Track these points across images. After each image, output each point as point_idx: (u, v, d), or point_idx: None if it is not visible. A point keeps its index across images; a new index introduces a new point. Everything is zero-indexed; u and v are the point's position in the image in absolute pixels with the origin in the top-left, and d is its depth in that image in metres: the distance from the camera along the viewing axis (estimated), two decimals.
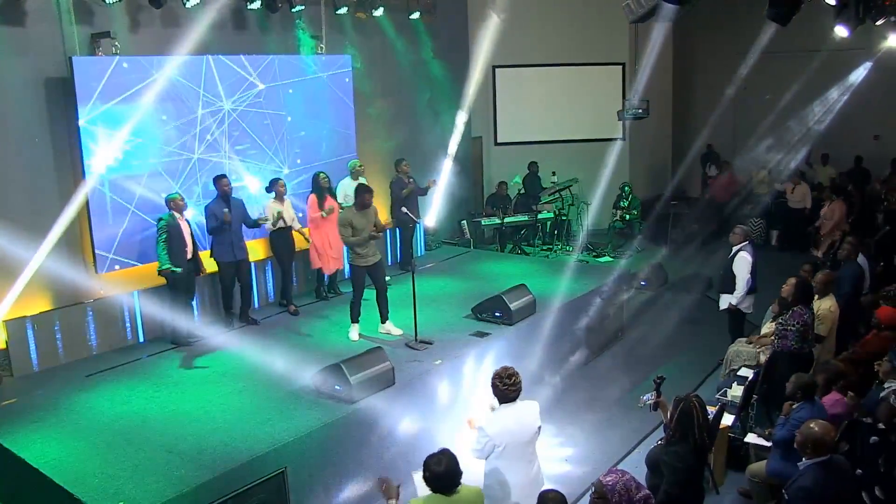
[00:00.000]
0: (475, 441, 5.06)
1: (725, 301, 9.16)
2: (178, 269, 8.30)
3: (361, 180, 10.55)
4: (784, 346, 7.52)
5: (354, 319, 8.55)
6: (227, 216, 8.61)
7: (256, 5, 9.76)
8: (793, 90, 14.44)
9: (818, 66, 13.87)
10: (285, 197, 9.47)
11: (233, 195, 8.99)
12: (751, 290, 9.07)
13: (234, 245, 8.90)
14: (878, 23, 8.17)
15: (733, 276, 9.04)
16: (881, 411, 5.74)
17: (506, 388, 5.04)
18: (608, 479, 4.52)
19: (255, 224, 9.09)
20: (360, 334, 8.56)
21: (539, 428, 5.20)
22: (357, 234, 8.18)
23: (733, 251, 9.11)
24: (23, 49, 8.00)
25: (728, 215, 13.95)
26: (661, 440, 5.64)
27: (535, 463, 5.24)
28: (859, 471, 5.61)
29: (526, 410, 5.15)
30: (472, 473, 4.98)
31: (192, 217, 8.92)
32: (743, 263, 8.95)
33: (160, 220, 8.30)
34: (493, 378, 5.09)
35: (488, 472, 5.12)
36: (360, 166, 10.64)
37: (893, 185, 13.79)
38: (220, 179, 8.84)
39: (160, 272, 8.29)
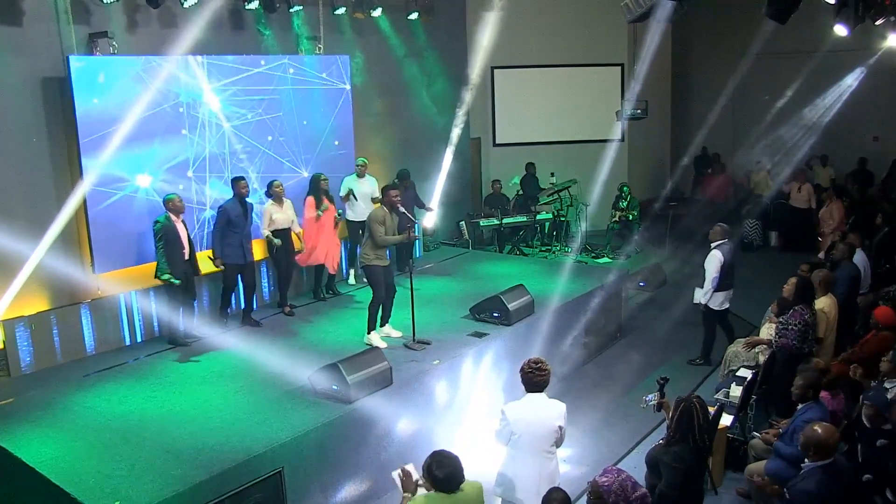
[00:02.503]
0: (497, 423, 5.18)
1: (698, 295, 9.34)
2: (178, 281, 8.26)
3: (368, 178, 10.57)
4: (784, 345, 7.51)
5: (374, 326, 8.33)
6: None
7: (254, 5, 9.75)
8: (791, 91, 14.48)
9: (817, 67, 13.90)
10: (284, 198, 9.45)
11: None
12: (722, 287, 9.21)
13: (245, 247, 8.88)
14: (878, 22, 8.16)
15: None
16: (893, 413, 5.71)
17: (532, 373, 5.13)
18: (603, 479, 4.59)
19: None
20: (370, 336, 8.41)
21: (560, 428, 5.20)
22: (388, 234, 8.12)
23: (713, 247, 9.26)
24: (20, 48, 7.99)
25: (725, 216, 13.94)
26: (662, 440, 5.62)
27: (551, 462, 5.25)
28: (867, 476, 5.58)
29: (549, 406, 5.18)
30: (473, 468, 4.97)
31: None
32: (713, 261, 9.09)
33: (156, 222, 8.27)
34: (523, 365, 5.20)
35: (505, 462, 5.21)
36: (364, 165, 10.61)
37: (891, 187, 13.82)
38: (238, 181, 8.86)
39: (157, 277, 8.30)
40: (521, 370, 5.21)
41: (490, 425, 5.32)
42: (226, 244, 8.82)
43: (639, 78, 12.75)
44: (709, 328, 9.57)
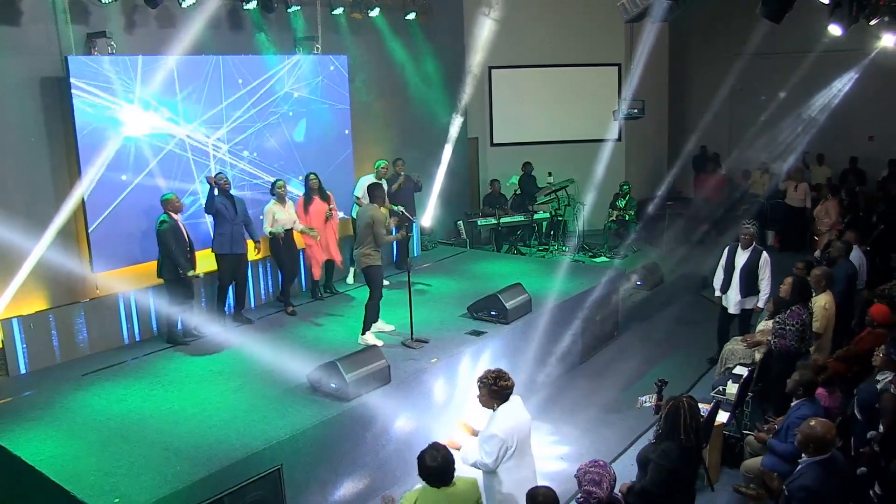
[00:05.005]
0: (486, 454, 4.94)
1: (751, 303, 9.04)
2: (201, 275, 8.47)
3: (386, 182, 10.54)
4: (782, 346, 7.53)
5: (370, 326, 8.36)
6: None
7: (252, 5, 9.76)
8: (787, 91, 14.54)
9: (813, 67, 13.96)
10: (287, 199, 9.48)
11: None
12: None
13: (234, 238, 8.89)
14: (872, 22, 8.22)
15: (756, 278, 8.94)
16: (884, 403, 5.75)
17: (505, 383, 4.99)
18: (582, 464, 4.77)
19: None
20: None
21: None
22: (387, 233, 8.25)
23: (750, 252, 8.95)
24: (18, 48, 8.00)
25: (721, 215, 13.99)
26: (652, 439, 5.67)
27: (532, 455, 5.26)
28: (862, 469, 5.62)
29: (519, 404, 5.16)
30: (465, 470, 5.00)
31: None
32: (768, 265, 8.91)
33: (162, 223, 8.28)
34: (496, 382, 4.96)
35: (500, 478, 5.01)
36: (384, 167, 10.46)
37: (889, 187, 13.88)
38: (217, 175, 8.92)
39: (164, 277, 8.40)
40: (491, 388, 4.97)
41: (468, 458, 5.10)
42: (217, 234, 8.88)
43: (634, 77, 12.76)
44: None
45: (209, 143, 9.53)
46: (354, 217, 10.08)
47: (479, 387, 5.04)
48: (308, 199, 9.73)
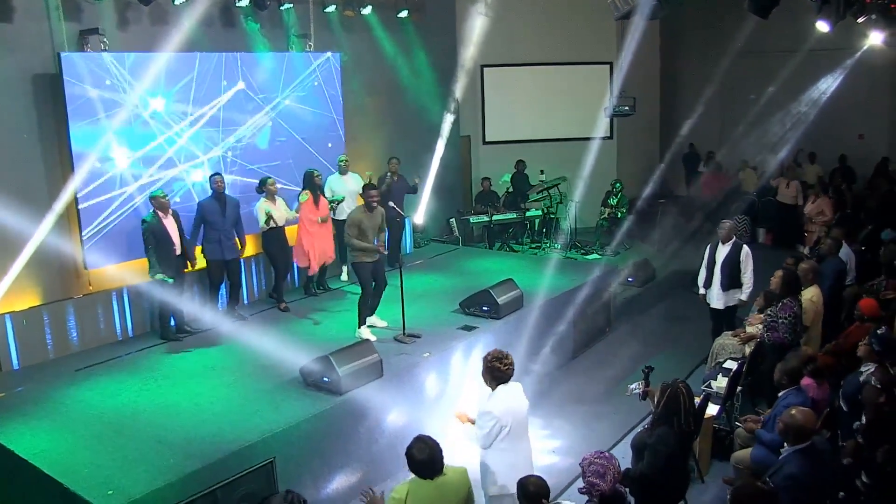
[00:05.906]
0: (480, 427, 5.08)
1: (734, 298, 8.99)
2: (171, 280, 8.30)
3: (352, 174, 10.62)
4: (775, 338, 7.59)
5: (364, 320, 8.45)
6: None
7: (244, 2, 9.77)
8: (778, 89, 14.61)
9: (803, 65, 14.04)
10: (277, 196, 9.49)
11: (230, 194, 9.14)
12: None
13: (224, 244, 8.91)
14: (860, 20, 8.30)
15: (738, 272, 8.92)
16: (867, 394, 5.82)
17: (507, 367, 5.11)
18: (587, 455, 4.84)
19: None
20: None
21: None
22: (363, 236, 8.17)
23: (731, 246, 8.90)
24: (11, 45, 8.00)
25: (713, 211, 14.03)
26: (646, 425, 5.73)
27: (529, 443, 5.33)
28: (848, 459, 5.68)
29: (518, 390, 5.25)
30: (461, 458, 5.04)
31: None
32: (750, 259, 8.88)
33: (143, 222, 8.31)
34: (491, 361, 5.11)
35: (493, 459, 5.13)
36: (345, 161, 10.64)
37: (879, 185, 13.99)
38: (212, 177, 8.92)
39: (151, 277, 8.35)
40: (492, 368, 5.11)
41: (469, 434, 5.24)
42: (205, 240, 8.89)
43: (622, 72, 12.80)
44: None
45: (202, 140, 9.54)
46: (335, 217, 10.22)
47: (482, 362, 5.19)
48: (316, 196, 9.71)
